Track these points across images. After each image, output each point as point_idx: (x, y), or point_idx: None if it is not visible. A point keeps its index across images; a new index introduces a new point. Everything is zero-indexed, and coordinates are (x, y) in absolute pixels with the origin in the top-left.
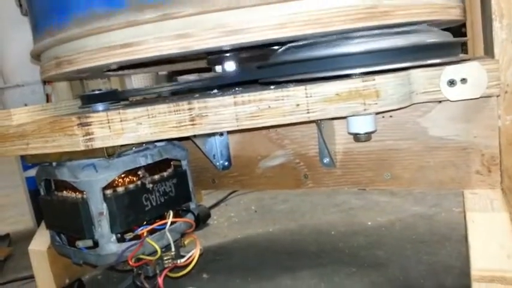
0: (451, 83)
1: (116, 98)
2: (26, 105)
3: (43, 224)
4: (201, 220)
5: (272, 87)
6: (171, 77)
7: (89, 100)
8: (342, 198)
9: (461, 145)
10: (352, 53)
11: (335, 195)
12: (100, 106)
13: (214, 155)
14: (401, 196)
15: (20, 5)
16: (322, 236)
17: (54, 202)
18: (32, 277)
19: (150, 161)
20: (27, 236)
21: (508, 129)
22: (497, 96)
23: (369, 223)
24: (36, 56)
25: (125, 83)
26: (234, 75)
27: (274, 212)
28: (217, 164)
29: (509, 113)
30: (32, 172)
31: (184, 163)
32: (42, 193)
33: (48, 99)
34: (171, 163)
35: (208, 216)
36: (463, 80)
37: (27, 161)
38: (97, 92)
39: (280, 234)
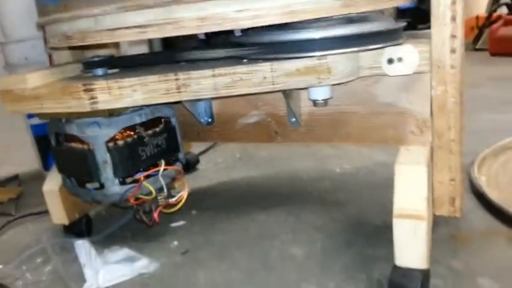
0: (390, 61)
1: (113, 64)
2: (26, 59)
3: (54, 168)
4: (191, 165)
5: (245, 60)
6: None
7: (90, 66)
8: (317, 148)
9: (400, 110)
10: (313, 39)
11: (312, 145)
12: (99, 71)
13: (199, 113)
14: (370, 146)
15: None
16: (295, 181)
17: (65, 152)
18: (43, 212)
19: (144, 119)
20: (34, 177)
21: (439, 98)
22: (429, 72)
23: (337, 170)
24: (40, 27)
25: (120, 48)
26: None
27: (256, 159)
28: (202, 120)
29: (440, 85)
30: (36, 120)
31: (173, 120)
32: (53, 143)
33: (50, 59)
34: (162, 120)
35: (197, 161)
36: (400, 59)
37: (40, 118)
38: (96, 59)
39: (259, 178)
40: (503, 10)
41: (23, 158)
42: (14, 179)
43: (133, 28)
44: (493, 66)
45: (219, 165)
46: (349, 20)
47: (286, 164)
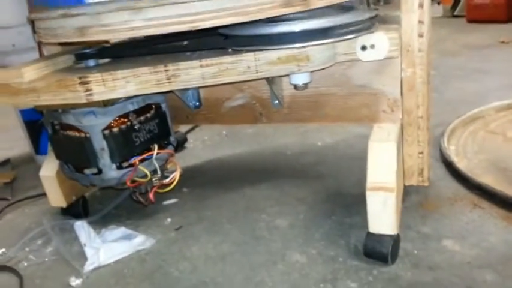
0: (363, 48)
1: (104, 55)
2: (13, 45)
3: (49, 154)
4: (179, 144)
5: (230, 50)
6: None
7: (81, 57)
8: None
9: (373, 91)
10: (293, 32)
11: None
12: (91, 62)
13: (187, 98)
14: None
15: None
16: (279, 156)
17: (62, 140)
18: (39, 195)
19: (136, 107)
20: (26, 160)
21: (409, 79)
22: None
23: (319, 143)
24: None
25: None
26: (207, 42)
27: (242, 136)
28: (190, 104)
29: (410, 67)
30: None
31: (163, 106)
32: (49, 132)
33: (39, 47)
34: (153, 106)
35: (185, 140)
36: (372, 46)
37: (36, 109)
38: (88, 51)
39: (245, 155)
40: None
41: (13, 141)
42: (6, 163)
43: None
44: (469, 34)
45: (206, 142)
46: (328, 10)
47: (270, 139)
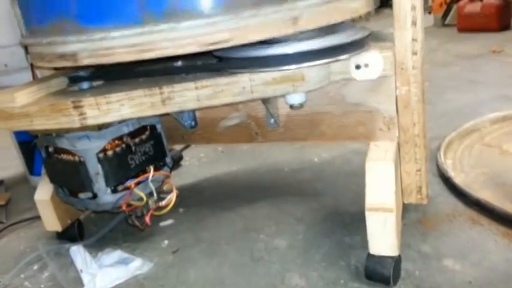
0: (357, 67)
1: (98, 77)
2: (6, 65)
3: (44, 177)
4: (175, 162)
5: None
6: None
7: (75, 80)
8: None
9: (369, 109)
10: (287, 54)
11: None
12: (85, 84)
13: (183, 118)
14: None
15: None
16: (276, 172)
17: (56, 164)
18: (34, 218)
19: (131, 129)
20: (20, 181)
21: (404, 97)
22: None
23: (316, 159)
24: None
25: None
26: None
27: (238, 152)
28: (186, 124)
29: (404, 85)
30: None
31: (158, 127)
32: (44, 156)
33: (32, 70)
34: (148, 128)
35: (181, 158)
36: (366, 65)
37: (30, 133)
38: (82, 74)
39: (242, 172)
40: None
41: (8, 162)
42: (0, 184)
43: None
44: (460, 44)
45: (202, 159)
46: (321, 31)
47: (267, 156)
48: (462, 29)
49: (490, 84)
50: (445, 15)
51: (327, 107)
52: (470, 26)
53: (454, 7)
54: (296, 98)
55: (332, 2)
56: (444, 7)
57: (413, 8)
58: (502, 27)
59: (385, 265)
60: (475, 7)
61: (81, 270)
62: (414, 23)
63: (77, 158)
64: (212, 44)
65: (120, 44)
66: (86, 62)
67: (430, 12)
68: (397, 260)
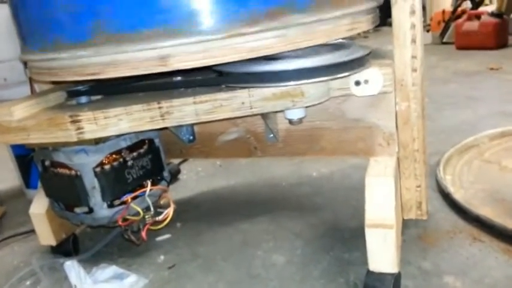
0: (357, 83)
1: (96, 92)
2: (5, 80)
3: (39, 190)
4: (173, 176)
5: (223, 86)
6: None
7: (73, 94)
8: None
9: (368, 125)
10: (287, 70)
11: None
12: (83, 98)
13: (181, 132)
14: None
15: None
16: (275, 187)
17: (52, 178)
18: (28, 232)
19: (129, 143)
20: (15, 195)
21: (403, 113)
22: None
23: (314, 174)
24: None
25: None
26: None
27: (236, 166)
28: (184, 138)
29: (404, 101)
30: None
31: (156, 141)
32: (40, 170)
33: (31, 83)
34: (146, 142)
35: (179, 171)
36: (366, 81)
37: (26, 147)
38: (80, 88)
39: (240, 187)
40: (468, 5)
41: (4, 175)
42: None
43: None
44: (458, 61)
45: (200, 173)
46: (321, 48)
47: (265, 170)
48: (460, 47)
49: (488, 100)
50: (443, 33)
51: (326, 123)
52: (468, 43)
53: (452, 25)
54: (295, 113)
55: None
56: (442, 25)
57: (413, 26)
58: (500, 45)
59: (385, 282)
60: (473, 25)
61: (75, 286)
62: (414, 41)
63: (73, 172)
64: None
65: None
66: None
67: (428, 31)
68: (396, 277)
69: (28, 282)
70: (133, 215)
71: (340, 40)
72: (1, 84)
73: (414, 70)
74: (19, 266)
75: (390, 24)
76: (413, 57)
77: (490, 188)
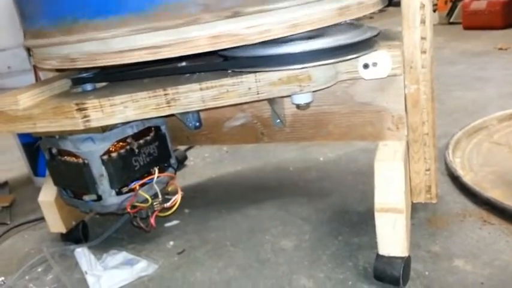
0: (365, 66)
1: (101, 79)
2: (9, 67)
3: (48, 178)
4: (179, 162)
5: (230, 71)
6: None
7: (79, 82)
8: None
9: (377, 109)
10: (293, 53)
11: None
12: (88, 86)
13: (187, 119)
14: None
15: None
16: (282, 172)
17: (60, 166)
18: (38, 219)
19: (135, 130)
20: (24, 183)
21: (413, 96)
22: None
23: (321, 159)
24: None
25: None
26: (206, 64)
27: (243, 152)
28: (190, 125)
29: (413, 83)
30: None
31: (163, 128)
32: (47, 158)
33: (35, 71)
34: (153, 129)
35: (185, 158)
36: (374, 64)
37: (33, 135)
38: (85, 75)
39: (247, 172)
40: None
41: (12, 163)
42: (4, 185)
43: (145, 49)
44: (466, 41)
45: (206, 159)
46: (329, 29)
47: (272, 155)
48: (467, 27)
49: (497, 81)
50: (450, 13)
51: (334, 107)
52: (475, 23)
53: (459, 5)
54: (302, 98)
55: None
56: (449, 5)
57: (422, 6)
58: (508, 25)
59: (395, 266)
60: (481, 4)
61: (86, 272)
62: (423, 22)
63: (80, 160)
64: None
65: None
66: None
67: (435, 10)
68: (406, 261)
69: (40, 269)
70: (141, 202)
71: (348, 21)
72: (5, 72)
73: (423, 52)
74: (30, 253)
75: (395, 5)
76: (423, 38)
77: (500, 170)
